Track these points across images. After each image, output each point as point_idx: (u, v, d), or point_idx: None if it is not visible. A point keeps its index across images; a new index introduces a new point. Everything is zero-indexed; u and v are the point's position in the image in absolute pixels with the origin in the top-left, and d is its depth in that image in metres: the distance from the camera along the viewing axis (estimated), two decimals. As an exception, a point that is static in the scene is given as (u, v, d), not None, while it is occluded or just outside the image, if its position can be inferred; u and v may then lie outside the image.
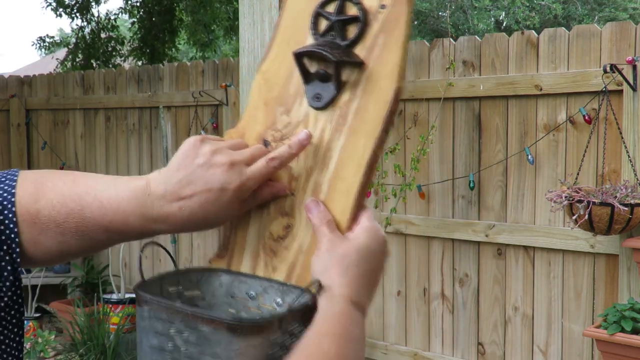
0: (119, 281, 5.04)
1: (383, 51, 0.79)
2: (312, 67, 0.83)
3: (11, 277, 0.76)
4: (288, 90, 0.85)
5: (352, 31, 0.82)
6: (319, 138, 0.82)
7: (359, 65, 0.80)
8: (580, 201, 2.95)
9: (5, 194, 0.78)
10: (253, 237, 0.84)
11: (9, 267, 0.76)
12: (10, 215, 0.77)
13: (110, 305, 4.69)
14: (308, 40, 0.84)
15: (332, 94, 0.81)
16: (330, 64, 0.80)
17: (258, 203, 0.83)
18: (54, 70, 7.99)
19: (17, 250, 0.76)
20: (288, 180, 0.84)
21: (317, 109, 0.82)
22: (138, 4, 8.09)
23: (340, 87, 0.81)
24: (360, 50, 0.81)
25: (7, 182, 0.80)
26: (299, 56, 0.81)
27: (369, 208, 0.81)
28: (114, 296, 4.89)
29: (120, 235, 0.78)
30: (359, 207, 0.79)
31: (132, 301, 4.86)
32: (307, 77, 0.82)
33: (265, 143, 0.85)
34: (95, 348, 4.24)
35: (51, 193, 0.78)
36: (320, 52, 0.79)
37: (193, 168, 0.76)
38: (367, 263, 0.77)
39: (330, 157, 0.81)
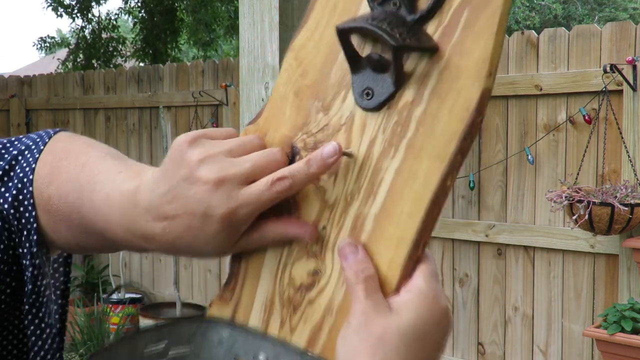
0: (119, 281, 5.04)
1: (467, 34, 0.55)
2: (364, 50, 0.60)
3: (30, 268, 0.66)
4: (328, 77, 0.62)
5: (424, 1, 0.58)
6: (365, 153, 0.59)
7: (431, 51, 0.57)
8: (580, 201, 2.95)
9: (27, 169, 0.67)
10: (267, 280, 0.62)
11: (28, 256, 0.66)
12: (28, 196, 0.67)
13: (110, 305, 4.69)
14: (361, 9, 0.60)
15: (388, 91, 0.58)
16: (389, 48, 0.56)
17: (264, 243, 0.61)
18: (55, 70, 8.00)
19: (35, 238, 0.66)
20: (319, 209, 0.60)
21: (366, 109, 0.59)
22: (139, 4, 8.10)
23: (401, 81, 0.57)
24: (433, 30, 0.57)
25: (34, 150, 0.69)
26: (345, 33, 0.57)
27: (430, 259, 0.57)
28: (114, 296, 4.90)
29: (115, 243, 0.65)
30: (414, 259, 0.56)
31: (132, 301, 4.86)
32: (355, 63, 0.59)
33: (294, 151, 0.62)
34: (95, 348, 4.25)
35: (62, 175, 0.66)
36: (375, 31, 0.55)
37: (176, 180, 0.58)
38: (416, 350, 0.54)
39: (379, 183, 0.58)
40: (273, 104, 0.65)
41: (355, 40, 0.59)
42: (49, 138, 0.70)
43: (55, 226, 0.67)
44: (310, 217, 0.61)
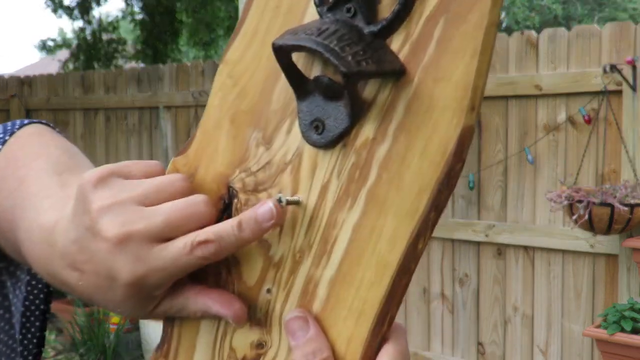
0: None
1: (443, 52, 0.43)
2: (313, 69, 0.47)
3: None
4: (270, 101, 0.49)
5: (387, 8, 0.44)
6: (317, 201, 0.47)
7: (397, 74, 0.44)
8: (580, 201, 2.95)
9: None
10: (205, 348, 0.51)
11: None
12: None
13: (111, 305, 4.70)
14: (307, 16, 0.47)
15: (343, 125, 0.46)
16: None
17: (188, 314, 0.50)
18: (56, 72, 8.02)
19: None
20: (263, 267, 0.49)
21: (316, 145, 0.47)
22: (140, 4, 8.12)
23: (357, 114, 0.45)
24: (399, 45, 0.44)
25: None
26: (283, 52, 0.44)
27: (400, 335, 0.46)
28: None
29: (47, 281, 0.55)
30: (378, 336, 0.45)
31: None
32: (300, 88, 0.47)
33: (231, 193, 0.50)
34: (95, 348, 4.25)
35: (4, 187, 0.57)
36: (321, 52, 0.42)
37: (82, 229, 0.47)
38: None
39: (334, 240, 0.46)
40: (205, 132, 0.51)
41: (301, 57, 0.47)
42: (11, 135, 0.60)
43: (3, 242, 0.58)
44: (253, 276, 0.49)
